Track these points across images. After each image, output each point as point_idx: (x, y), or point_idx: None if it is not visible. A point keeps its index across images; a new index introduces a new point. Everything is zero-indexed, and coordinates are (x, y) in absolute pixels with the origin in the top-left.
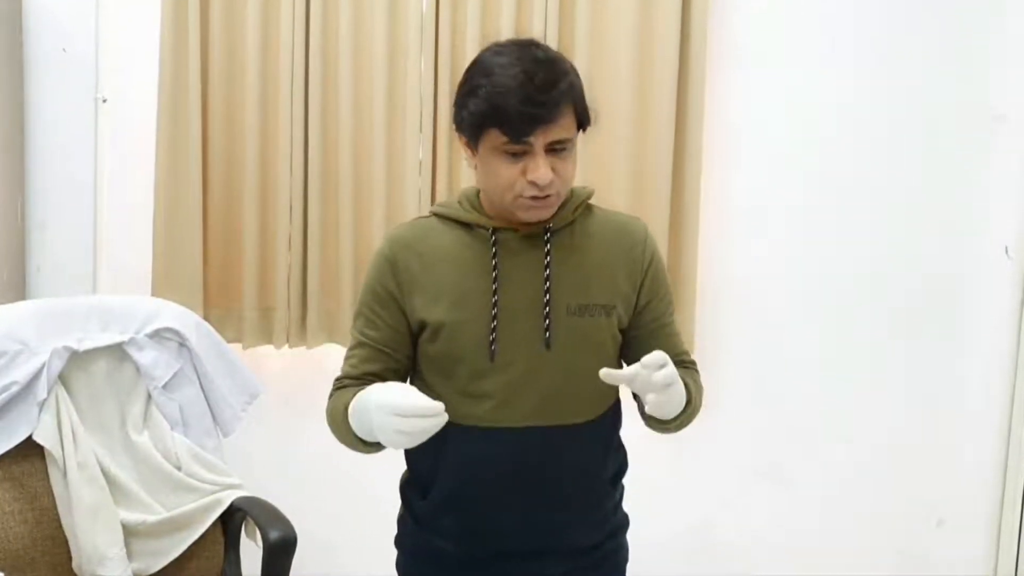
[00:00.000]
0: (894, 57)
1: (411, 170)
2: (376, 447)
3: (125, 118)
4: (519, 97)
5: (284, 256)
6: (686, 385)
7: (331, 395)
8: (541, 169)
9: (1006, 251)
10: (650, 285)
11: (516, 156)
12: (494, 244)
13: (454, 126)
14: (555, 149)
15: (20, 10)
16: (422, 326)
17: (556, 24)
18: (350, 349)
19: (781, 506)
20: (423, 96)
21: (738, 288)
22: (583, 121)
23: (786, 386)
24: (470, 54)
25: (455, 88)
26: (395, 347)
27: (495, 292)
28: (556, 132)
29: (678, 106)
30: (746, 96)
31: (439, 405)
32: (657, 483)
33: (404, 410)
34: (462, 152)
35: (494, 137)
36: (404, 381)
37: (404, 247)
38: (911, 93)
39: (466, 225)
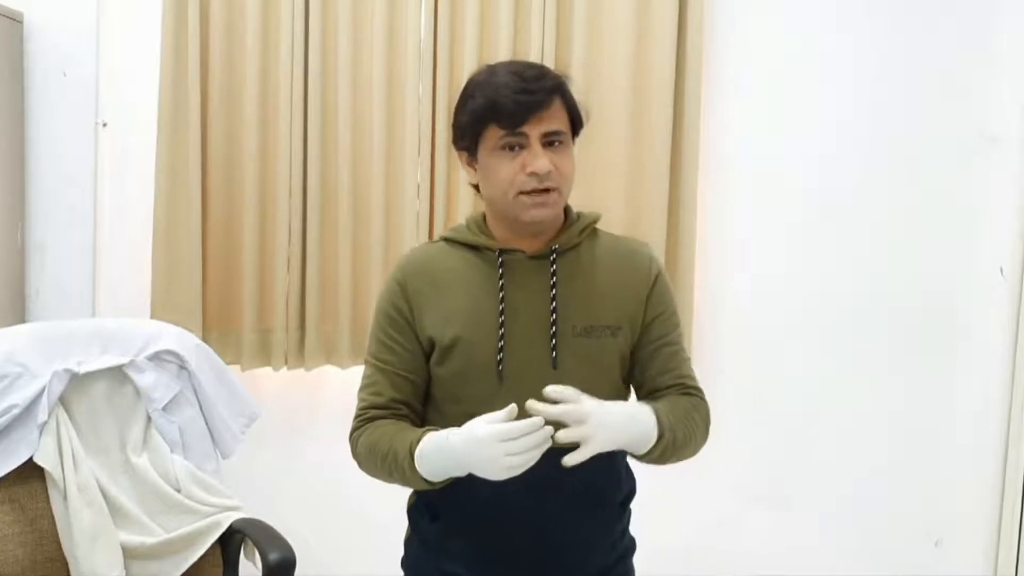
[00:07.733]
0: (888, 80)
1: (409, 194)
2: (435, 484)
3: (125, 142)
4: (512, 89)
5: (283, 279)
6: (661, 421)
7: (358, 427)
8: (540, 159)
9: (1001, 271)
10: (655, 302)
11: (514, 151)
12: (501, 266)
13: (453, 144)
14: (551, 142)
15: (21, 34)
16: (432, 346)
17: (552, 51)
18: (367, 378)
19: (779, 527)
20: (421, 120)
21: (735, 308)
22: (575, 121)
23: (783, 406)
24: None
25: (452, 112)
26: (414, 370)
27: (502, 313)
28: (550, 122)
29: (674, 127)
30: (742, 117)
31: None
32: (653, 502)
33: (509, 432)
34: (460, 175)
35: (492, 134)
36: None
37: (415, 271)
38: (906, 115)
39: (474, 248)
